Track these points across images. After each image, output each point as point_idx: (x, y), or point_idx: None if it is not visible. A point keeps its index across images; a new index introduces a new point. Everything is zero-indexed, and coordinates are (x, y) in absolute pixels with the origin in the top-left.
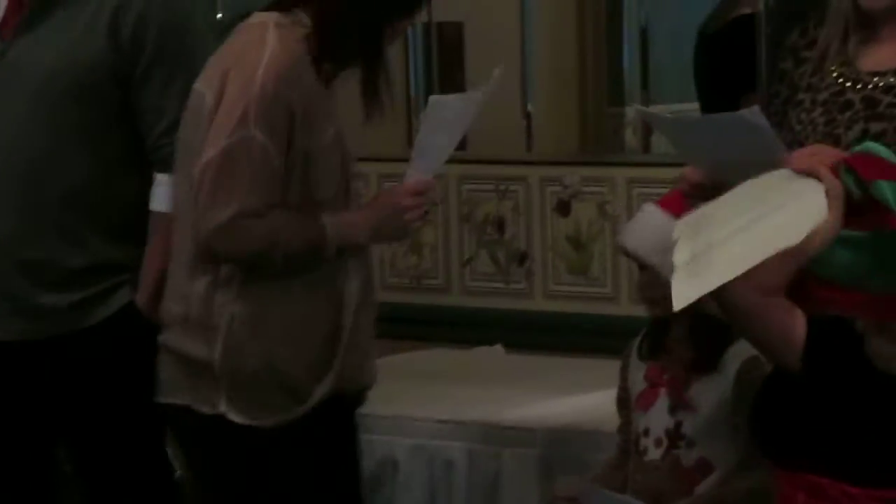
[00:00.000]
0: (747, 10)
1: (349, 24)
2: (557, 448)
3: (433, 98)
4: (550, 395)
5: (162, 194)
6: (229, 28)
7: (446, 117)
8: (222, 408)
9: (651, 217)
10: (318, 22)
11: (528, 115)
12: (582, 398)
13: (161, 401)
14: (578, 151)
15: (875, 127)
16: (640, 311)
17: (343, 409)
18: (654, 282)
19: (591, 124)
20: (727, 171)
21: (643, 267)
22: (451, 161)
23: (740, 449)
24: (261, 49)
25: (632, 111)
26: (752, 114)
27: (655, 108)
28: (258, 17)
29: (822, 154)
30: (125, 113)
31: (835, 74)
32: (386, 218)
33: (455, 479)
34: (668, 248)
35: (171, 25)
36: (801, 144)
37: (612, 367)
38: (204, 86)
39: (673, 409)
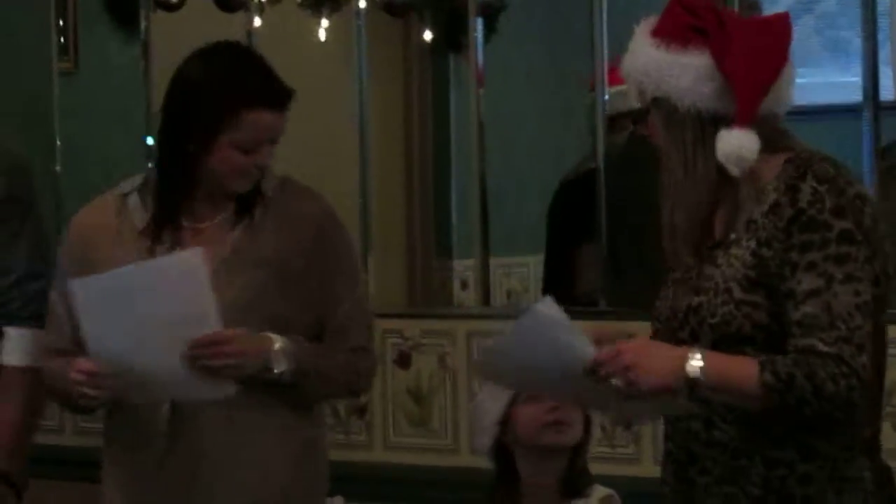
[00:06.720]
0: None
1: None
2: None
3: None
4: None
5: (12, 348)
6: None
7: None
8: None
9: None
10: None
11: (366, 268)
12: None
13: None
14: (408, 304)
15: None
16: (480, 463)
17: None
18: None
19: (418, 278)
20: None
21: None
22: None
23: None
24: None
25: (460, 264)
26: (546, 305)
27: (493, 261)
28: None
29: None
30: None
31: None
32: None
33: None
34: None
35: (16, 174)
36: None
37: None
38: None
39: None
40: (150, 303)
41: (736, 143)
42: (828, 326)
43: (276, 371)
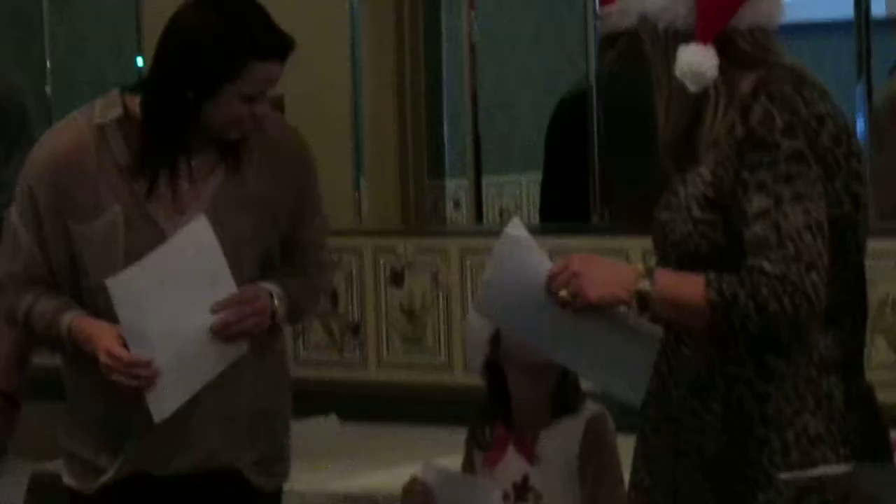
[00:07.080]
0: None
1: None
2: None
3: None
4: (388, 464)
5: None
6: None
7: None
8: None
9: None
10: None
11: (358, 188)
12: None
13: None
14: (401, 223)
15: None
16: (473, 380)
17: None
18: None
19: (411, 197)
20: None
21: None
22: None
23: (582, 500)
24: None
25: (452, 184)
26: (513, 227)
27: (486, 180)
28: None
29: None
30: None
31: None
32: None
33: None
34: None
35: (8, 95)
36: None
37: (446, 435)
38: None
39: (520, 463)
40: (174, 284)
41: (693, 59)
42: (776, 246)
43: (278, 318)
